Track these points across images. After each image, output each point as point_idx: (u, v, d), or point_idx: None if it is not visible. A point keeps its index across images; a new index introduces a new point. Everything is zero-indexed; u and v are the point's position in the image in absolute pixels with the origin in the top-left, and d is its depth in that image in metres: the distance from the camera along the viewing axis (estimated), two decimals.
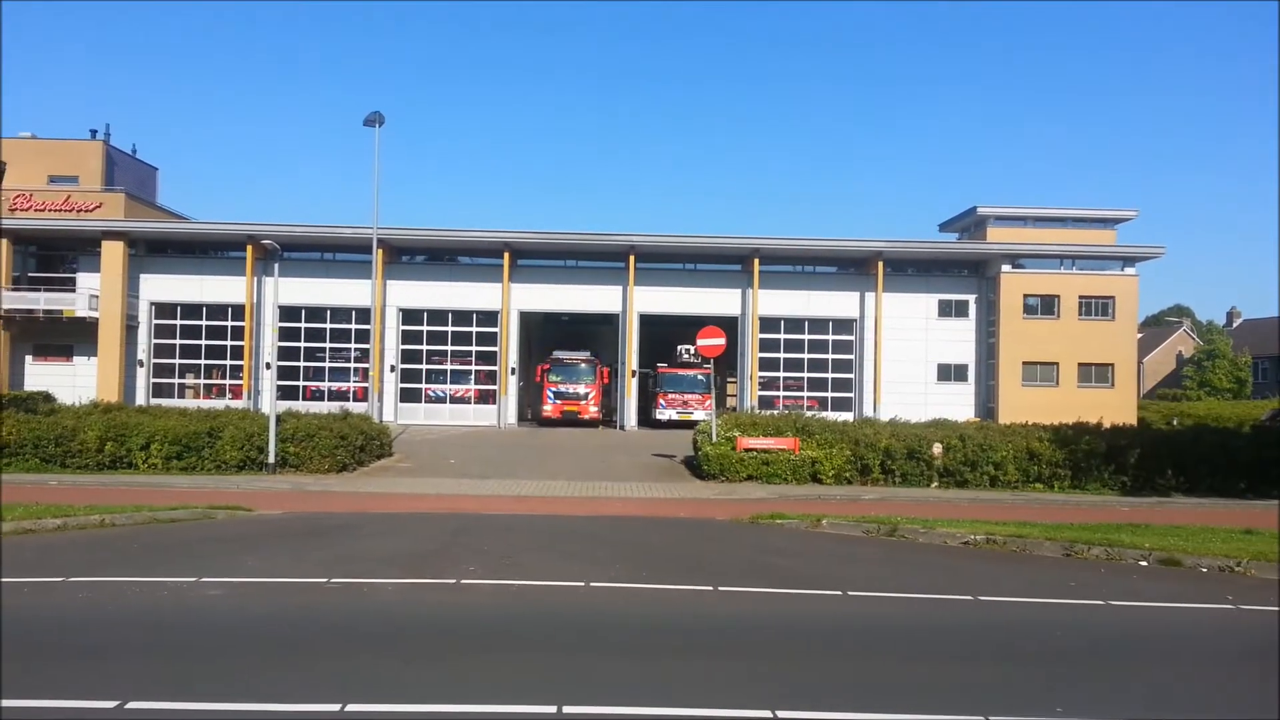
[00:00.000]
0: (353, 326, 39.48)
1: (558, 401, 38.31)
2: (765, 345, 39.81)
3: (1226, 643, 8.37)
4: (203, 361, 39.66)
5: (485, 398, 39.78)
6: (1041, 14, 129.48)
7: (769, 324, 39.92)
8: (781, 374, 40.42)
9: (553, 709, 5.91)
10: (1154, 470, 20.71)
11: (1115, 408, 34.60)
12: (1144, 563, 11.75)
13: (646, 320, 39.90)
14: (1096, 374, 39.65)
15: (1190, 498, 19.93)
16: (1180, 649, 8.08)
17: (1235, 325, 72.06)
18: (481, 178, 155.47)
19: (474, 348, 40.04)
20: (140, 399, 37.25)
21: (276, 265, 25.46)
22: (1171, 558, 11.70)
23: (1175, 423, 34.66)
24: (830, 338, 40.45)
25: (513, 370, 39.28)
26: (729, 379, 45.00)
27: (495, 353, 39.44)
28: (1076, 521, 14.93)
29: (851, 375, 40.36)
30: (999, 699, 6.34)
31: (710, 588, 9.83)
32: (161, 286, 39.20)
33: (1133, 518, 15.93)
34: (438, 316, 39.86)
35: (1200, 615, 9.33)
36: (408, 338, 39.80)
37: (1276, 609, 9.30)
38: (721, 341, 23.40)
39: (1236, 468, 20.52)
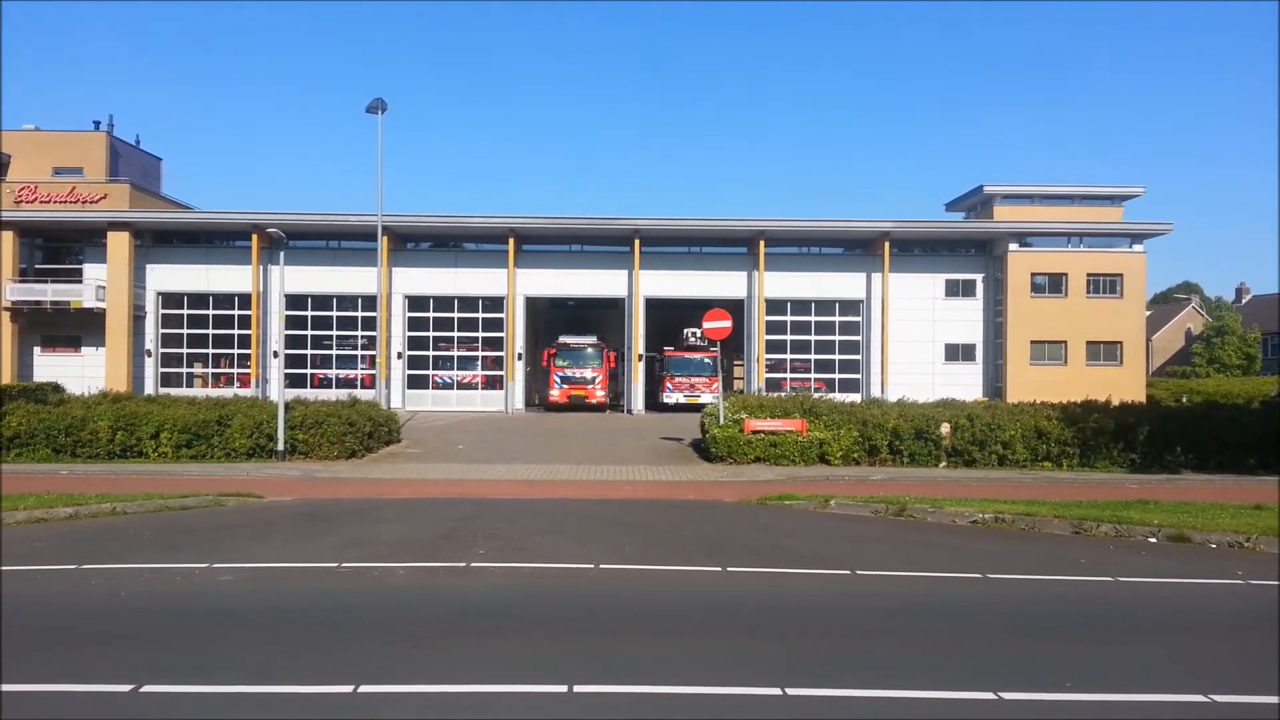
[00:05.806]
0: (359, 314, 39.54)
1: (564, 386, 38.34)
2: (772, 327, 39.75)
3: (1236, 618, 8.38)
4: (210, 350, 39.76)
5: (492, 383, 39.83)
6: None
7: (775, 306, 39.84)
8: (788, 356, 40.37)
9: (563, 688, 5.96)
10: (1163, 447, 20.67)
11: (1124, 386, 34.51)
12: (1153, 539, 11.75)
13: (652, 304, 39.86)
14: (1105, 352, 39.50)
15: (1199, 474, 19.88)
16: (1189, 624, 8.09)
17: (1244, 301, 71.66)
18: (486, 163, 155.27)
19: (480, 334, 40.06)
20: (148, 388, 37.39)
21: (282, 254, 25.47)
22: (1180, 534, 11.71)
23: (1184, 400, 34.58)
24: (837, 319, 40.35)
25: (519, 356, 39.30)
26: (736, 362, 44.98)
27: (501, 338, 39.47)
28: (1085, 499, 14.92)
29: (858, 356, 40.28)
30: (1009, 675, 6.36)
31: (719, 568, 9.87)
32: (168, 276, 39.27)
33: (1142, 495, 15.91)
34: (444, 303, 39.88)
35: (1209, 590, 9.34)
36: (414, 324, 39.84)
37: (1277, 583, 9.30)
38: (728, 324, 23.40)
39: (1246, 444, 20.46)
